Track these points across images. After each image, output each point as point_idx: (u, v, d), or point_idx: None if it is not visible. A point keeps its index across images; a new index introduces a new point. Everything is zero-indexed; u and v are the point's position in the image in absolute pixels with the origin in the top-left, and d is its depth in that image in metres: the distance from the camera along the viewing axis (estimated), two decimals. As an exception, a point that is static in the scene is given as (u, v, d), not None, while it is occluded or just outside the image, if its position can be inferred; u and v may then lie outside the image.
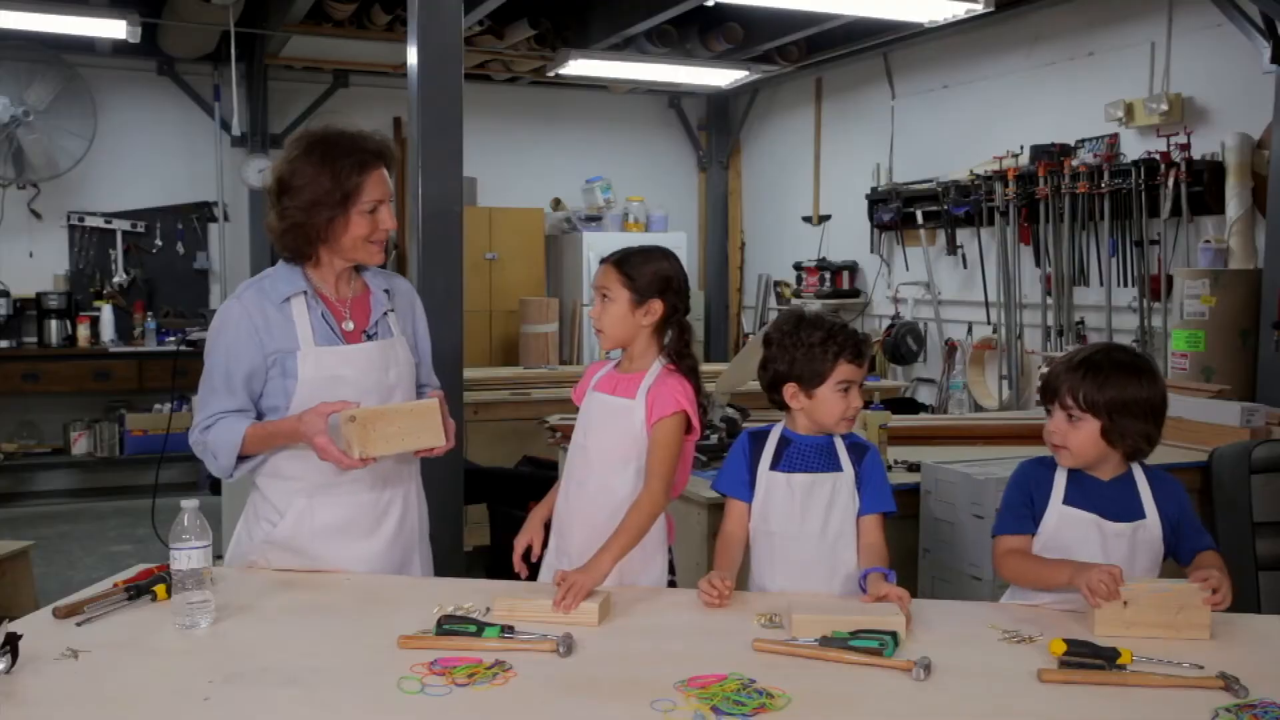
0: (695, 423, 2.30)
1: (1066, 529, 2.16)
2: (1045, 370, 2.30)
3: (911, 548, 3.23)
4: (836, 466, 2.26)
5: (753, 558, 2.30)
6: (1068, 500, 2.17)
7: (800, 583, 2.20)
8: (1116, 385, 2.11)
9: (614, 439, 2.30)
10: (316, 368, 2.26)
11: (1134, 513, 2.17)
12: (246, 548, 2.36)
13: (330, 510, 2.31)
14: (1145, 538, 2.16)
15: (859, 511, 2.25)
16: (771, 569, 2.25)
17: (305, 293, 2.30)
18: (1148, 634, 1.90)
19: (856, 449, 2.29)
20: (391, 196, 2.33)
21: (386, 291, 2.43)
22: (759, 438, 2.30)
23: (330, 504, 2.31)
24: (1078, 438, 2.14)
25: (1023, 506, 2.20)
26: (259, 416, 2.29)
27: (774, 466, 2.26)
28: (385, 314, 2.40)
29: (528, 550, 2.38)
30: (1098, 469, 2.18)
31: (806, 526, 2.22)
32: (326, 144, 2.26)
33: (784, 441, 2.28)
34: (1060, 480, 2.19)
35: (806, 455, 2.26)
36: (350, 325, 2.34)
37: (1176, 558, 2.19)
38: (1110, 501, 2.17)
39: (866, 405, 2.38)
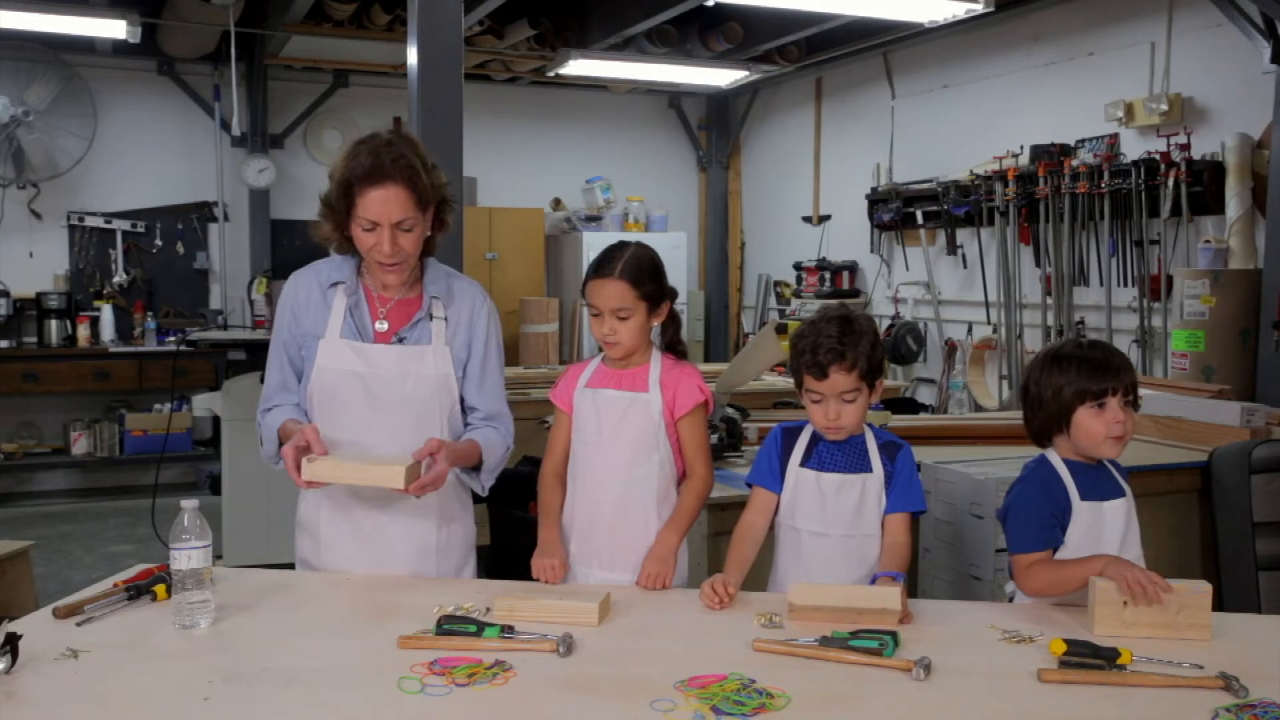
0: (711, 406, 2.39)
1: (1095, 523, 2.13)
2: (1049, 372, 2.15)
3: (912, 547, 3.22)
4: (866, 467, 2.24)
5: (778, 553, 2.31)
6: (1084, 496, 2.14)
7: (824, 581, 2.19)
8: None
9: (635, 430, 2.30)
10: (333, 359, 2.25)
11: (1119, 489, 2.18)
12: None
13: (355, 509, 2.33)
14: (1130, 510, 2.18)
15: (885, 510, 2.23)
16: (796, 566, 2.25)
17: (346, 282, 2.29)
18: (1148, 634, 1.90)
19: (890, 448, 2.27)
20: (396, 222, 2.16)
21: (435, 298, 2.31)
22: (792, 433, 2.30)
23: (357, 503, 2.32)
24: (1133, 424, 2.14)
25: (1052, 518, 2.12)
26: None
27: (804, 463, 2.26)
28: (426, 320, 2.30)
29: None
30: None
31: (833, 526, 2.22)
32: (355, 151, 2.19)
33: (816, 438, 2.27)
34: (1069, 479, 2.14)
35: (836, 453, 2.25)
36: (384, 325, 2.29)
37: None
38: (1104, 483, 2.17)
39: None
